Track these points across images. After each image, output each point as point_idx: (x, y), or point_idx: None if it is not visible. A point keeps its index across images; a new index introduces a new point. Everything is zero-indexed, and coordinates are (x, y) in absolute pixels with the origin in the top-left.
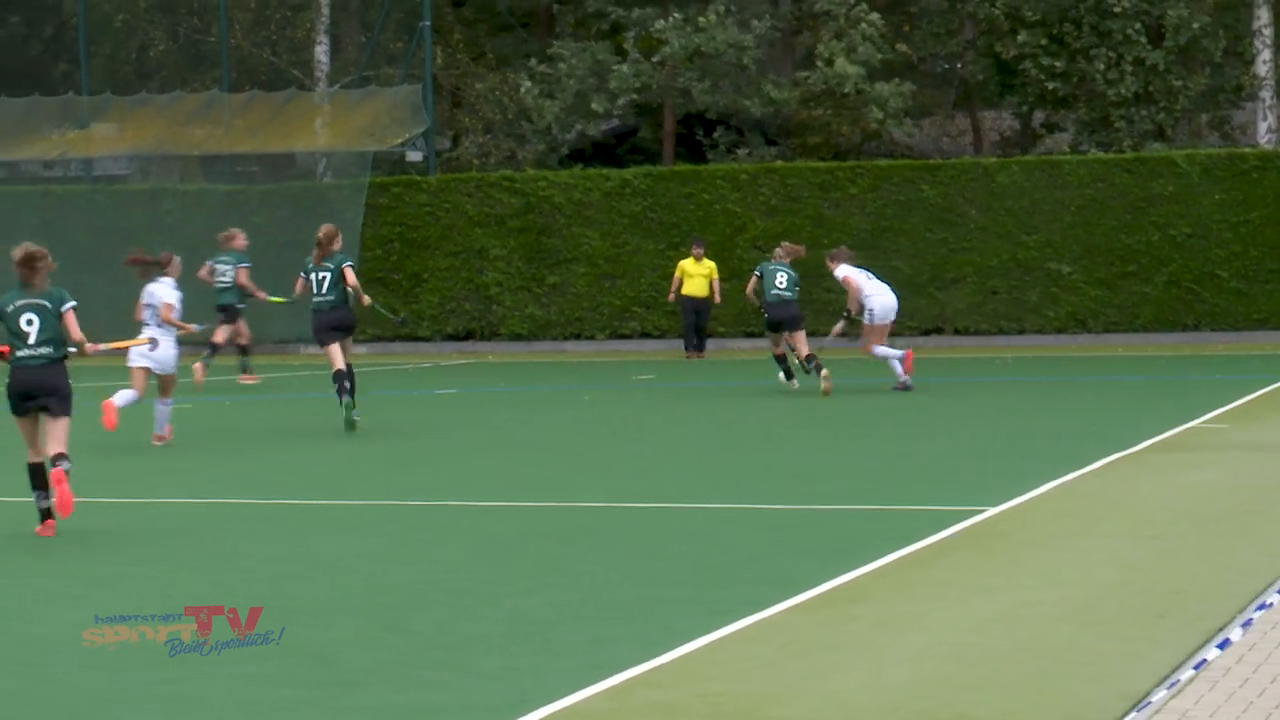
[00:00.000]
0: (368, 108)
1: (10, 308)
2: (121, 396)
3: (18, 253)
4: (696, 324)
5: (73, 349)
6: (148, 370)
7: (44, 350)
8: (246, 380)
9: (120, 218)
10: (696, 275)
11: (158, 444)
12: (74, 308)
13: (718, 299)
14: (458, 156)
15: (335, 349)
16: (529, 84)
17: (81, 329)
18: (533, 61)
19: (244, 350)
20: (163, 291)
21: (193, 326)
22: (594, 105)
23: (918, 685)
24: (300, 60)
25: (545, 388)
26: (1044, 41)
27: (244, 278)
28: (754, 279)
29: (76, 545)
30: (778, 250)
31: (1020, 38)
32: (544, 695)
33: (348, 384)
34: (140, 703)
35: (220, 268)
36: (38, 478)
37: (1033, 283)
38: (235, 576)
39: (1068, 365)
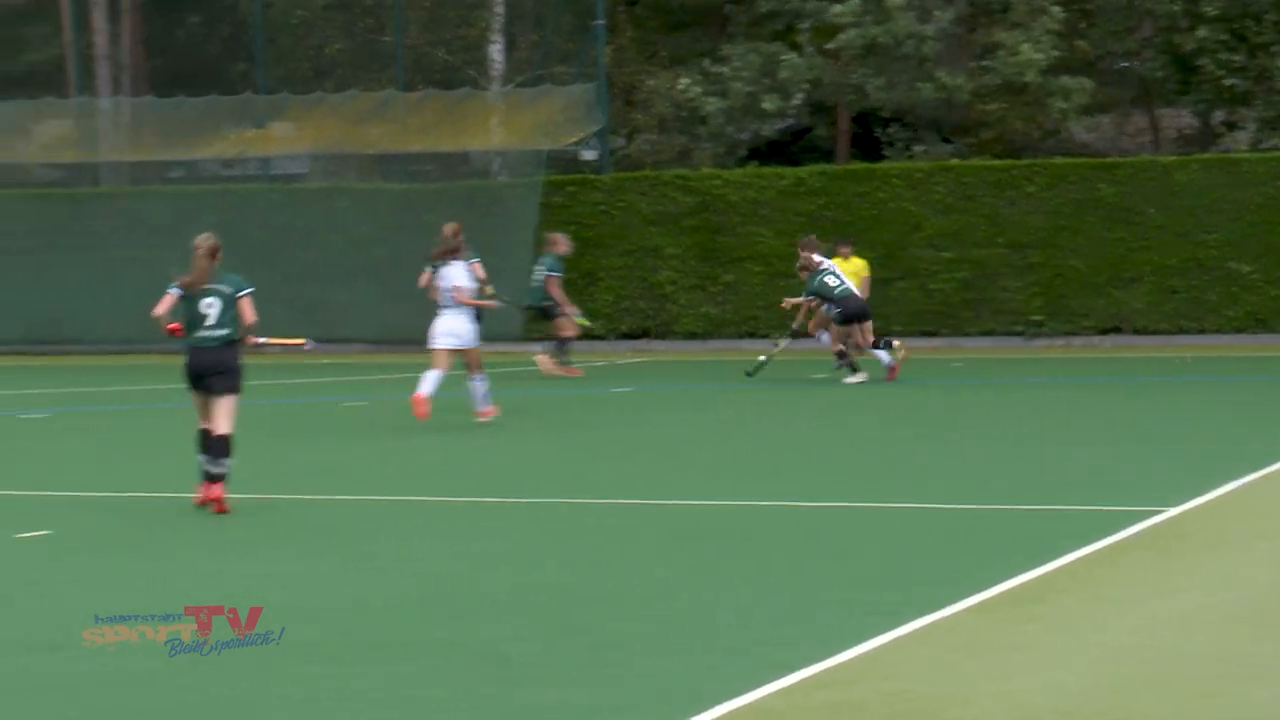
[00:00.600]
0: (542, 106)
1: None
2: (427, 383)
3: (201, 244)
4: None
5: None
6: (450, 351)
7: (220, 332)
8: (572, 373)
9: (296, 216)
10: (846, 275)
11: (482, 420)
12: (251, 293)
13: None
14: (630, 154)
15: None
16: (685, 82)
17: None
18: (706, 62)
19: (563, 344)
20: (455, 274)
21: (494, 302)
22: (765, 104)
23: (1094, 688)
24: (474, 59)
25: (721, 386)
26: (1223, 37)
27: (553, 287)
28: (814, 301)
29: (241, 543)
30: (800, 260)
31: (1199, 33)
32: (719, 693)
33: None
34: (311, 701)
35: (536, 270)
36: (206, 441)
37: (1212, 282)
38: (393, 575)
39: (1248, 365)
